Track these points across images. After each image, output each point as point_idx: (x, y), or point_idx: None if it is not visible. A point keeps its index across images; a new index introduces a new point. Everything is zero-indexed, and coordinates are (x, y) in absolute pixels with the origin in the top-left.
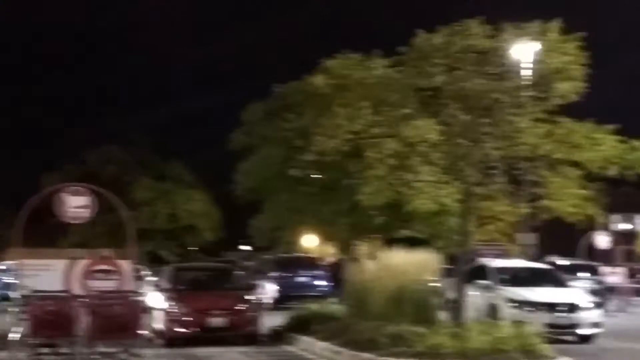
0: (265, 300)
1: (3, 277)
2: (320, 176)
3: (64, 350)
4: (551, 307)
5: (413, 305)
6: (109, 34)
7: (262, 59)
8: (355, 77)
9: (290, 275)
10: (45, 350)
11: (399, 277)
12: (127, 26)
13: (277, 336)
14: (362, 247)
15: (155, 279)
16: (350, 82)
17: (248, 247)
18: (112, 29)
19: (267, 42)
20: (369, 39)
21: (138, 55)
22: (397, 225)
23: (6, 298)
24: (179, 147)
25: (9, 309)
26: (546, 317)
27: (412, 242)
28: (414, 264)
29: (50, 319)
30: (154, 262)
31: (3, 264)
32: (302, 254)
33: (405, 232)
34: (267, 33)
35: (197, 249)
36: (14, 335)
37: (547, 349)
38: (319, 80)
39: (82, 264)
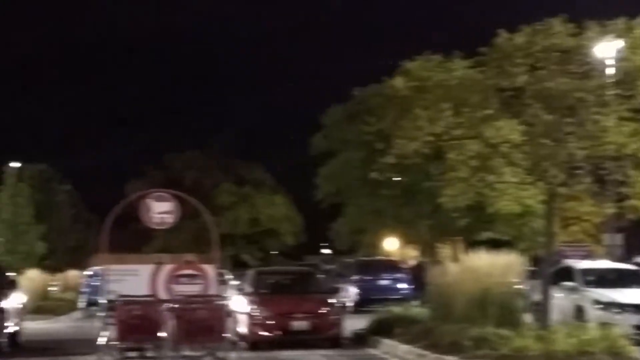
0: (346, 304)
1: (92, 283)
2: (401, 179)
3: (150, 354)
4: (639, 308)
5: (497, 307)
6: (197, 37)
7: (342, 62)
8: (435, 79)
9: (372, 278)
10: (132, 354)
11: (482, 279)
12: (209, 28)
13: (360, 339)
14: (445, 250)
15: (237, 283)
16: (430, 84)
17: (328, 251)
18: (198, 31)
19: (346, 45)
20: (449, 40)
21: (217, 60)
22: (480, 227)
23: (95, 303)
24: (260, 152)
25: (98, 314)
26: (634, 319)
27: (495, 244)
28: (497, 266)
29: (136, 323)
30: (237, 266)
31: (91, 270)
32: (383, 257)
33: (488, 234)
34: (346, 36)
35: (277, 252)
36: (102, 340)
37: (634, 351)
38: (399, 82)
39: (166, 268)
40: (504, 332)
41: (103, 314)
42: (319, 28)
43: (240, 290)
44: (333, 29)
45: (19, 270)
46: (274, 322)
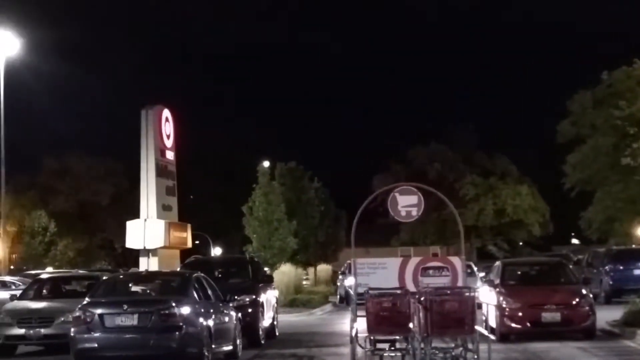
0: (599, 295)
1: (346, 277)
2: None
3: (400, 345)
4: None
5: None
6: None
7: (588, 45)
8: None
9: (625, 267)
10: (383, 345)
11: None
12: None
13: (614, 331)
14: None
15: (484, 274)
16: None
17: (577, 241)
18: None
19: (592, 27)
20: None
21: (455, 52)
22: None
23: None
24: (504, 142)
25: (350, 307)
26: None
27: None
28: None
29: (386, 315)
30: (483, 257)
31: (345, 264)
32: (638, 246)
33: None
34: (592, 17)
35: (524, 243)
36: (353, 332)
37: None
38: None
39: (414, 261)
40: None
41: (354, 306)
42: (559, 11)
43: (488, 282)
44: (576, 11)
45: (273, 265)
46: (523, 313)
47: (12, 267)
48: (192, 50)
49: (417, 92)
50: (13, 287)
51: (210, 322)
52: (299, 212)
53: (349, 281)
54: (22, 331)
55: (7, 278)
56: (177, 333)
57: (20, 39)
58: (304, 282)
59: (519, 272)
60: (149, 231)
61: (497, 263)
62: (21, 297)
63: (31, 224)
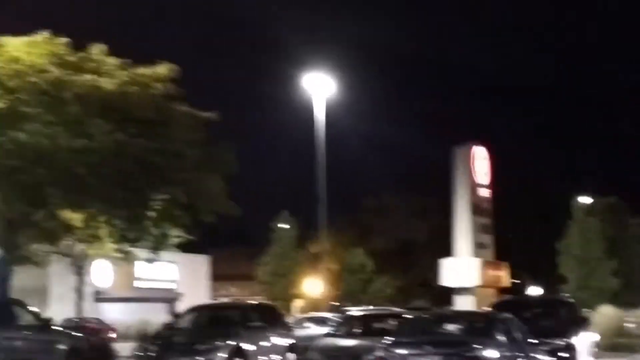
0: None
1: None
2: None
3: None
4: None
5: None
6: None
7: None
8: None
9: None
10: None
11: None
12: None
13: None
14: None
15: None
16: None
17: None
18: None
19: None
20: None
21: None
22: None
23: None
24: None
25: None
26: None
27: None
28: None
29: None
30: None
31: None
32: None
33: None
34: None
35: None
36: None
37: None
38: None
39: None
40: None
41: None
42: None
43: None
44: None
45: (591, 306)
46: None
47: (332, 303)
48: (500, 83)
49: None
50: (331, 324)
51: None
52: (621, 249)
53: None
54: None
55: (327, 315)
56: None
57: (336, 82)
58: (628, 325)
59: None
60: (463, 269)
61: None
62: (333, 334)
63: (350, 262)
